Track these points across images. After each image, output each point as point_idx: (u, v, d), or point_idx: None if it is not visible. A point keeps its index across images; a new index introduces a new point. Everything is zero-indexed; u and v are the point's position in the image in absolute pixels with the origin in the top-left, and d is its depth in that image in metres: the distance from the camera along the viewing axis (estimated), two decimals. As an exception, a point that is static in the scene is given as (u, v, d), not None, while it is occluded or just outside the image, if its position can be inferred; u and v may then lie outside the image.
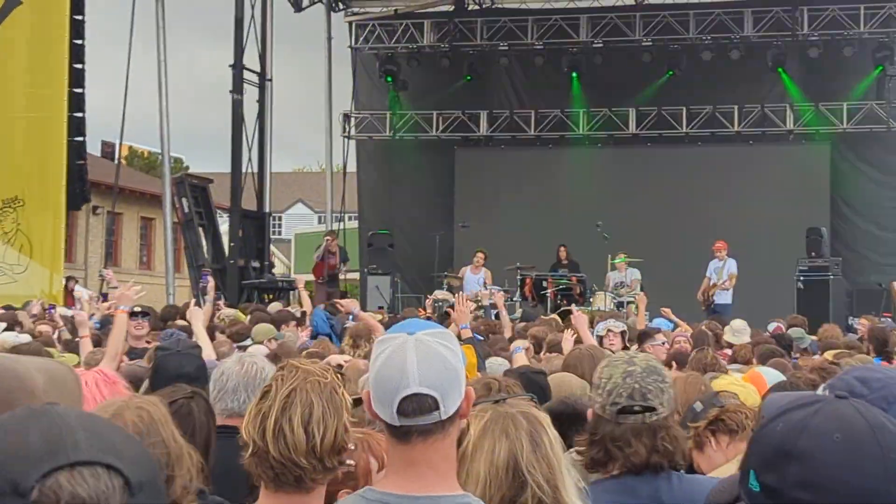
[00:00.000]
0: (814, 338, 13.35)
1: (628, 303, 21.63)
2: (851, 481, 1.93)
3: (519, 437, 3.33)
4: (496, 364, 7.76)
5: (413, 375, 2.89)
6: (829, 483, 1.94)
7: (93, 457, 1.65)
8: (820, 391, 2.49)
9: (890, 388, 2.42)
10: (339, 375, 3.39)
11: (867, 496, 1.93)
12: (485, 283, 21.80)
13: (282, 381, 3.29)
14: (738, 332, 12.53)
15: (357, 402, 3.36)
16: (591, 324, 10.96)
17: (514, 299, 21.40)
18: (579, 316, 9.81)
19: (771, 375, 7.07)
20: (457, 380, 2.98)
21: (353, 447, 3.63)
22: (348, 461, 3.57)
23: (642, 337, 10.63)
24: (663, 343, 10.40)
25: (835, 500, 1.94)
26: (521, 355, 8.14)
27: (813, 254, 23.55)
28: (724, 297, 21.18)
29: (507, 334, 12.28)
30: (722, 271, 21.65)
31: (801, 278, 23.05)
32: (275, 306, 17.69)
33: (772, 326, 15.59)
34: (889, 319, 21.92)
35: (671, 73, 26.97)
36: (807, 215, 25.08)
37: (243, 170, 25.41)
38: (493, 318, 16.08)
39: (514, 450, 3.31)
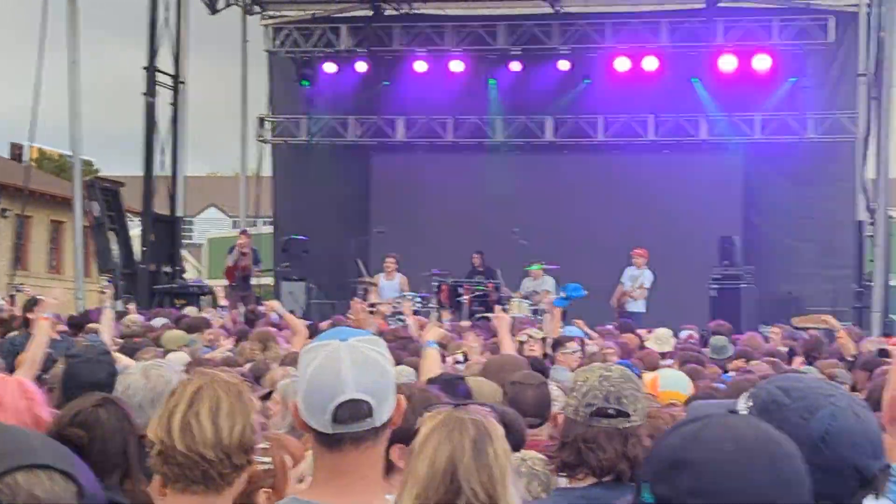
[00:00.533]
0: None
1: (544, 312, 21.69)
2: (741, 489, 1.94)
3: (462, 443, 3.28)
4: (404, 374, 7.57)
5: (349, 381, 2.85)
6: (719, 490, 1.94)
7: (49, 462, 1.70)
8: (742, 401, 2.45)
9: (810, 397, 2.40)
10: (247, 384, 3.31)
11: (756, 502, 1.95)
12: (401, 289, 21.72)
13: (189, 381, 3.21)
14: (661, 340, 12.55)
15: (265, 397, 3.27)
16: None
17: (430, 305, 21.34)
18: (501, 317, 9.77)
19: (669, 379, 7.15)
20: (390, 386, 2.95)
21: (267, 445, 3.60)
22: (264, 459, 3.54)
23: (555, 345, 10.61)
24: (574, 352, 10.37)
25: None
26: (432, 351, 7.93)
27: (726, 262, 23.80)
28: (637, 306, 21.30)
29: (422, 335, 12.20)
30: (637, 280, 21.76)
31: (714, 286, 23.27)
32: (191, 311, 17.48)
33: (684, 334, 15.73)
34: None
35: (588, 81, 27.10)
36: (720, 224, 25.33)
37: (156, 173, 25.10)
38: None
39: (454, 455, 3.26)
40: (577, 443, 3.76)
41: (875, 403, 4.93)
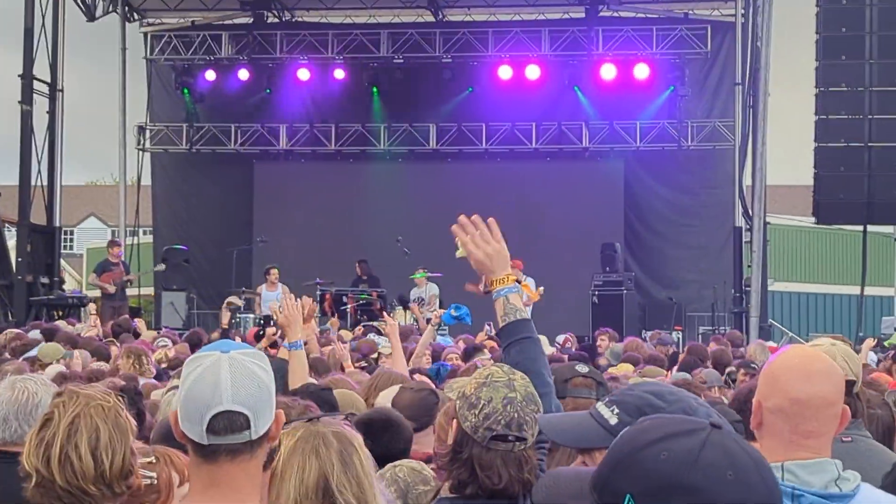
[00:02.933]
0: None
1: (427, 320, 21.70)
2: None
3: (329, 456, 3.30)
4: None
5: (226, 393, 2.83)
6: None
7: None
8: (603, 408, 2.46)
9: (684, 400, 2.47)
10: (120, 398, 3.24)
11: None
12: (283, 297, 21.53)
13: (63, 407, 3.13)
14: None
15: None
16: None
17: (316, 315, 21.19)
18: (391, 324, 9.74)
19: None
20: (269, 400, 2.93)
21: (153, 460, 3.56)
22: (150, 473, 3.49)
23: (471, 351, 10.63)
24: (490, 358, 10.40)
25: None
26: (297, 353, 7.82)
27: (607, 268, 24.07)
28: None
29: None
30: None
31: (596, 292, 23.52)
32: (61, 324, 17.11)
33: (560, 338, 15.92)
34: (680, 333, 22.59)
35: (471, 89, 27.21)
36: (602, 231, 25.63)
37: (32, 182, 24.59)
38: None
39: (324, 470, 3.28)
40: (472, 462, 3.69)
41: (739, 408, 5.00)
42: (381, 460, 4.48)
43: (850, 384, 4.44)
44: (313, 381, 6.74)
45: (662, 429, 2.07)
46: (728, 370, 10.68)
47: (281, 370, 5.59)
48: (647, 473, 2.00)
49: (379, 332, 14.78)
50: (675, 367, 11.35)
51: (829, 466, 3.10)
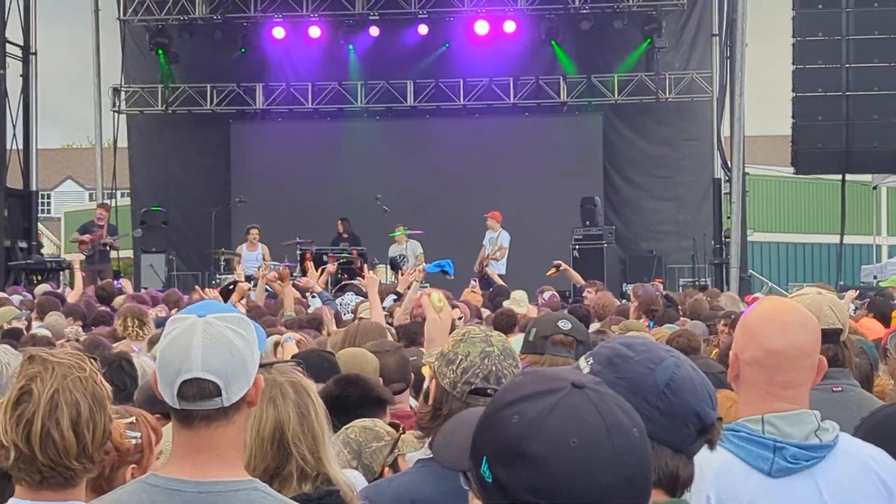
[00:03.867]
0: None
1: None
2: (583, 489, 1.89)
3: (286, 407, 3.29)
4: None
5: (196, 359, 2.80)
6: (559, 490, 1.89)
7: None
8: (582, 361, 2.47)
9: (654, 350, 2.46)
10: (92, 361, 3.21)
11: (596, 502, 1.90)
12: (263, 258, 21.51)
13: (41, 381, 3.08)
14: (518, 302, 12.62)
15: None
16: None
17: (295, 274, 21.14)
18: (370, 279, 9.70)
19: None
20: (243, 366, 2.88)
21: (134, 420, 3.57)
22: (134, 433, 3.51)
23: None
24: (460, 318, 10.34)
25: None
26: (290, 345, 7.76)
27: (587, 222, 24.07)
28: (497, 268, 21.36)
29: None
30: (496, 241, 21.89)
31: (577, 247, 23.53)
32: (42, 288, 17.00)
33: (547, 295, 15.92)
34: (660, 285, 22.63)
35: (447, 45, 27.08)
36: (581, 185, 25.61)
37: (8, 146, 24.42)
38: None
39: (281, 421, 3.28)
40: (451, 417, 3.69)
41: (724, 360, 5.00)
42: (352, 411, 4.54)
43: (837, 332, 4.44)
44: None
45: (524, 388, 1.99)
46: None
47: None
48: (498, 437, 1.95)
49: (359, 292, 14.74)
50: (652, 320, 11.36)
51: (808, 417, 3.11)
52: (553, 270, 17.42)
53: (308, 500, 3.30)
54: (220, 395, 2.82)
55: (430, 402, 3.78)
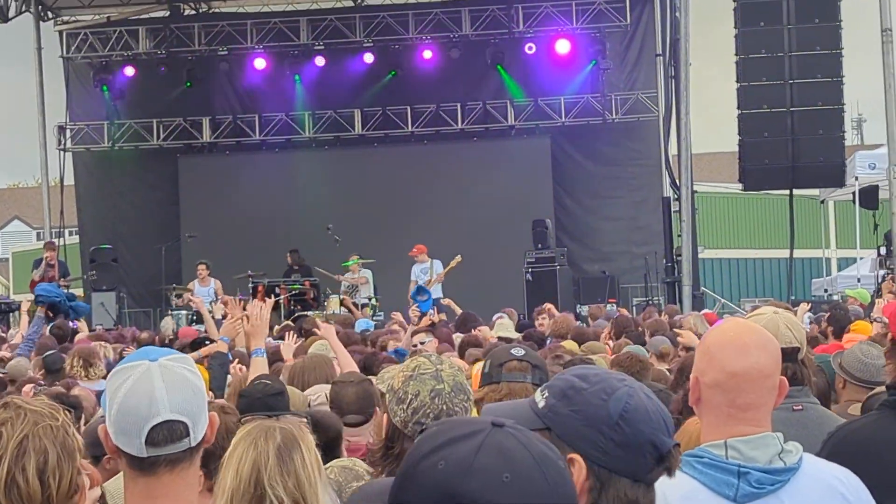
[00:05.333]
0: None
1: (363, 305, 21.69)
2: None
3: (266, 449, 3.28)
4: None
5: (163, 402, 2.78)
6: None
7: None
8: (538, 393, 2.48)
9: (607, 381, 2.43)
10: (68, 412, 3.17)
11: None
12: (216, 293, 21.38)
13: (11, 426, 3.03)
14: (507, 327, 12.61)
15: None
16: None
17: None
18: (326, 328, 9.59)
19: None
20: (204, 405, 2.89)
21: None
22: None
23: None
24: (424, 342, 10.32)
25: None
26: (259, 360, 7.71)
27: (539, 245, 24.16)
28: (435, 292, 21.28)
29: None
30: (431, 271, 21.86)
31: (530, 270, 23.59)
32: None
33: (496, 317, 15.90)
34: (614, 306, 22.70)
35: (394, 73, 27.10)
36: (532, 208, 25.70)
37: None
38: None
39: (258, 461, 3.26)
40: (403, 456, 3.66)
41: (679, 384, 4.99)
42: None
43: (795, 351, 4.45)
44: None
45: (442, 435, 1.99)
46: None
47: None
48: (426, 485, 1.93)
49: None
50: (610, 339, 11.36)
51: (771, 440, 3.09)
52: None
53: None
54: (188, 435, 2.82)
55: (383, 437, 3.75)
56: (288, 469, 3.30)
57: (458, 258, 20.98)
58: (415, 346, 9.94)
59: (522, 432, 2.00)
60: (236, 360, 8.12)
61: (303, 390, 6.22)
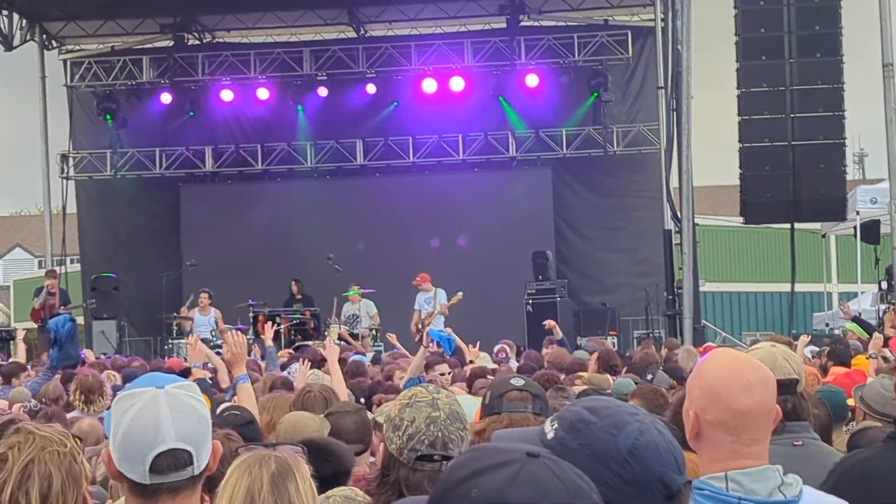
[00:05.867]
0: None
1: (363, 337, 21.67)
2: None
3: (261, 477, 3.28)
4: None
5: (168, 431, 2.79)
6: None
7: None
8: (547, 424, 2.45)
9: (617, 415, 2.41)
10: (77, 441, 3.18)
11: None
12: (216, 322, 21.38)
13: (18, 450, 3.05)
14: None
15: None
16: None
17: (249, 337, 21.04)
18: (330, 349, 9.61)
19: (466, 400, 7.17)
20: (208, 433, 2.90)
21: None
22: None
23: (425, 367, 10.51)
24: (444, 374, 10.31)
25: None
26: (245, 386, 7.68)
27: (540, 277, 24.14)
28: (438, 324, 21.30)
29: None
30: (434, 300, 21.88)
31: (530, 301, 23.56)
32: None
33: (496, 348, 15.94)
34: (614, 338, 22.69)
35: (396, 103, 27.19)
36: (533, 239, 25.70)
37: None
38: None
39: (252, 489, 3.26)
40: (400, 484, 3.67)
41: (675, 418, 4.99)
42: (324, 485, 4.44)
43: (793, 383, 4.45)
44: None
45: (476, 462, 1.98)
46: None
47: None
48: None
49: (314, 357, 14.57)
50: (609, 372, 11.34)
51: (771, 474, 3.09)
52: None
53: None
54: (192, 463, 2.83)
55: (379, 465, 3.77)
56: (282, 496, 3.30)
57: (460, 295, 21.00)
58: (430, 379, 9.85)
59: (557, 463, 1.99)
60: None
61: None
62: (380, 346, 21.39)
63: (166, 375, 3.02)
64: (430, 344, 12.24)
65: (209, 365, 12.58)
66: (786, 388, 4.42)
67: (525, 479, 1.92)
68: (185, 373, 10.43)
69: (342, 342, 20.55)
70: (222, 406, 6.50)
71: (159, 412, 2.80)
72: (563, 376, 10.19)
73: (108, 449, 2.88)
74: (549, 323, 17.03)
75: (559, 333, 15.45)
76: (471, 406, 7.05)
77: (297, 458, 3.43)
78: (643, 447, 2.33)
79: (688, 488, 2.40)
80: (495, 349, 15.88)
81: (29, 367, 14.34)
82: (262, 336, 21.22)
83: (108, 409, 9.20)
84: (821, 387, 7.28)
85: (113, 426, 2.87)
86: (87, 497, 3.13)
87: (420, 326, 21.81)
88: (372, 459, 5.75)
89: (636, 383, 9.06)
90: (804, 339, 14.80)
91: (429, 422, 3.69)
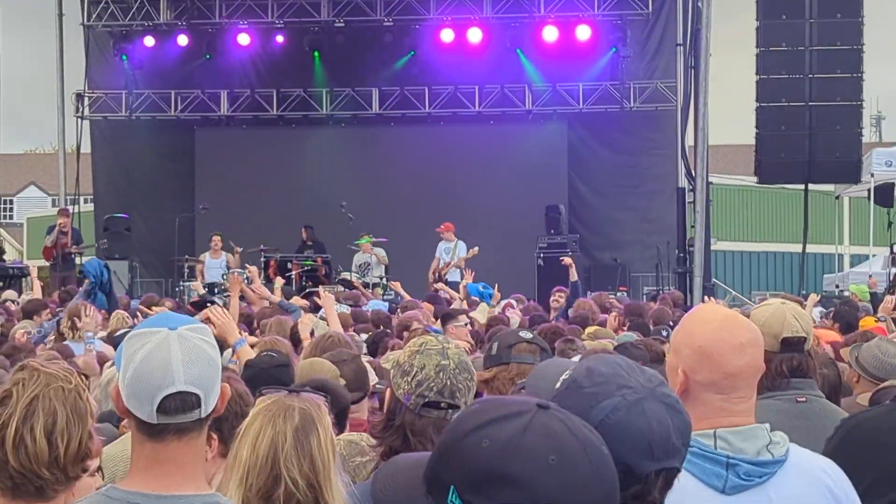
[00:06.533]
0: None
1: (374, 285, 21.71)
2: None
3: (285, 430, 3.30)
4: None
5: (178, 373, 2.80)
6: None
7: None
8: (565, 374, 2.45)
9: (607, 384, 2.37)
10: (83, 378, 3.21)
11: None
12: (227, 266, 21.43)
13: (23, 387, 3.09)
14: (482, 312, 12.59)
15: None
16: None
17: (261, 281, 21.06)
18: (325, 297, 9.66)
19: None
20: (218, 377, 2.92)
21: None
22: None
23: (445, 318, 10.52)
24: (465, 324, 10.32)
25: None
26: (244, 349, 7.77)
27: (552, 231, 24.15)
28: (454, 275, 21.36)
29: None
30: (454, 251, 21.91)
31: (542, 255, 23.58)
32: (10, 294, 16.92)
33: (504, 303, 15.98)
34: (625, 293, 22.70)
35: (413, 52, 27.07)
36: (546, 193, 25.67)
37: (-30, 152, 24.24)
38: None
39: (276, 441, 3.28)
40: (405, 429, 3.71)
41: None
42: None
43: (801, 341, 4.45)
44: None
45: (486, 413, 1.97)
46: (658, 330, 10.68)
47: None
48: (468, 464, 1.91)
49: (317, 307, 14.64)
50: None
51: (760, 432, 3.08)
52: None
53: None
54: (199, 406, 2.84)
55: (385, 410, 3.79)
56: (304, 451, 3.31)
57: (475, 250, 21.00)
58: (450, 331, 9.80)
59: (567, 416, 1.98)
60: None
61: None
62: (390, 294, 21.43)
63: (180, 316, 3.02)
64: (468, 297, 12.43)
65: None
66: (793, 345, 4.44)
67: (536, 429, 1.92)
68: (201, 304, 10.47)
69: (345, 289, 20.64)
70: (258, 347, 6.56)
71: (170, 354, 2.81)
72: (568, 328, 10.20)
73: (117, 385, 2.89)
74: (565, 259, 16.92)
75: (574, 275, 15.37)
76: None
77: (320, 409, 3.45)
78: (611, 425, 2.27)
79: (658, 477, 2.33)
80: (503, 304, 15.93)
81: None
82: (272, 281, 21.41)
83: (90, 330, 9.33)
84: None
85: (123, 364, 2.88)
86: (93, 433, 3.17)
87: (436, 275, 21.89)
88: (373, 405, 5.80)
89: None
90: (813, 297, 14.84)
91: (438, 369, 3.72)
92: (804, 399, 4.49)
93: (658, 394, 2.41)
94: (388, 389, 3.83)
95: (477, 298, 14.19)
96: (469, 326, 10.46)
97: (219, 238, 22.18)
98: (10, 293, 18.30)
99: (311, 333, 9.00)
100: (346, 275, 21.78)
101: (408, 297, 15.82)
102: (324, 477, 3.32)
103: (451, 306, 13.84)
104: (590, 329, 10.15)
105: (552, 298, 16.02)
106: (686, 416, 2.46)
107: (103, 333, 10.15)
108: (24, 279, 23.58)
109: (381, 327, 11.08)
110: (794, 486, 3.07)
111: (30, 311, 12.64)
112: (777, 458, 3.06)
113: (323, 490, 3.31)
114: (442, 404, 3.68)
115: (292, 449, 3.28)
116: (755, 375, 3.15)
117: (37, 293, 15.59)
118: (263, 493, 3.29)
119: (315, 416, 3.38)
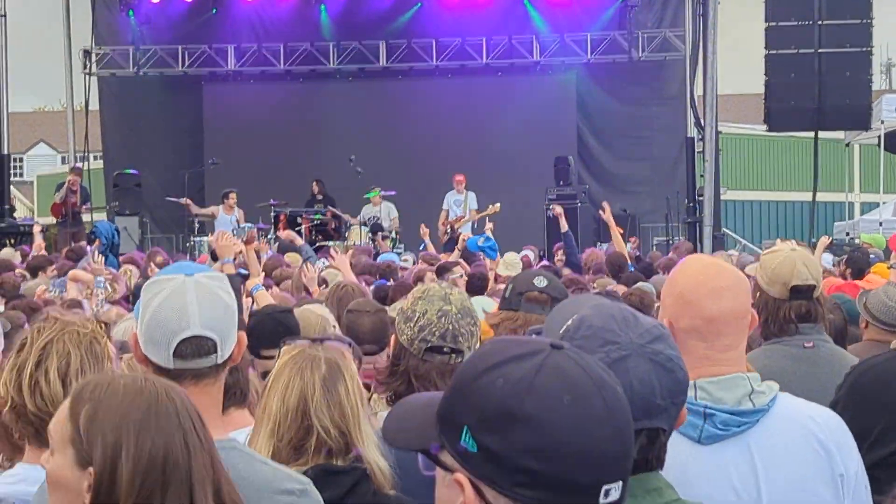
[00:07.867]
0: None
1: (383, 237, 21.73)
2: (582, 446, 1.87)
3: (313, 380, 3.34)
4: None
5: (194, 317, 2.84)
6: (560, 448, 1.86)
7: None
8: (569, 322, 2.43)
9: (590, 340, 2.36)
10: (102, 325, 3.25)
11: (597, 459, 1.88)
12: (237, 221, 21.47)
13: (38, 332, 3.14)
14: (510, 265, 12.57)
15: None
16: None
17: (269, 236, 21.14)
18: (339, 259, 9.66)
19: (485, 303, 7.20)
20: (234, 324, 2.96)
21: None
22: None
23: (440, 271, 10.58)
24: (461, 276, 10.39)
25: (564, 467, 1.86)
26: (261, 293, 7.84)
27: (561, 182, 24.13)
28: (466, 230, 21.34)
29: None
30: (465, 204, 21.89)
31: (551, 206, 23.53)
32: (7, 252, 16.92)
33: (521, 255, 15.95)
34: (634, 244, 22.68)
35: (420, 4, 26.95)
36: (555, 144, 25.62)
37: (-22, 110, 24.22)
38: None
39: (305, 392, 3.32)
40: (409, 374, 3.75)
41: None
42: None
43: (811, 289, 4.47)
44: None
45: (500, 353, 1.95)
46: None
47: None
48: (482, 403, 1.90)
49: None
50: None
51: (741, 381, 3.02)
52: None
53: (327, 471, 3.33)
54: (215, 351, 2.88)
55: (390, 357, 3.85)
56: (333, 400, 3.35)
57: (497, 206, 20.70)
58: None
59: (581, 355, 1.97)
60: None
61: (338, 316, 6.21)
62: (400, 248, 21.45)
63: (196, 265, 3.07)
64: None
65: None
66: (802, 293, 4.46)
67: (550, 369, 1.91)
68: (213, 257, 10.52)
69: (367, 241, 20.67)
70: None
71: (186, 299, 2.85)
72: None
73: (134, 332, 2.93)
74: (556, 209, 16.76)
75: (565, 225, 15.28)
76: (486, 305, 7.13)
77: (345, 357, 3.49)
78: None
79: (653, 433, 2.35)
80: (520, 255, 15.91)
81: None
82: (280, 234, 21.43)
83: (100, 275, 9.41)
84: (836, 294, 7.29)
85: (141, 310, 2.92)
86: None
87: (447, 227, 21.89)
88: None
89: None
90: (824, 240, 14.82)
91: (440, 314, 3.76)
92: (811, 344, 4.50)
93: (647, 351, 2.40)
94: (393, 336, 3.88)
95: (481, 255, 14.06)
96: (462, 279, 10.49)
97: (234, 195, 22.22)
98: (7, 251, 18.27)
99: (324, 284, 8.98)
100: (356, 229, 21.80)
101: (432, 250, 15.87)
102: (353, 424, 3.37)
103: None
104: (597, 283, 10.24)
105: (556, 259, 15.98)
106: (679, 374, 2.44)
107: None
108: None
109: (390, 279, 11.12)
110: (776, 436, 3.00)
111: (34, 268, 12.69)
112: (758, 408, 2.99)
113: (353, 436, 3.37)
114: (445, 349, 3.73)
115: (321, 399, 3.33)
116: (738, 321, 3.08)
117: (37, 249, 15.60)
118: (295, 444, 3.34)
119: (341, 365, 3.43)
